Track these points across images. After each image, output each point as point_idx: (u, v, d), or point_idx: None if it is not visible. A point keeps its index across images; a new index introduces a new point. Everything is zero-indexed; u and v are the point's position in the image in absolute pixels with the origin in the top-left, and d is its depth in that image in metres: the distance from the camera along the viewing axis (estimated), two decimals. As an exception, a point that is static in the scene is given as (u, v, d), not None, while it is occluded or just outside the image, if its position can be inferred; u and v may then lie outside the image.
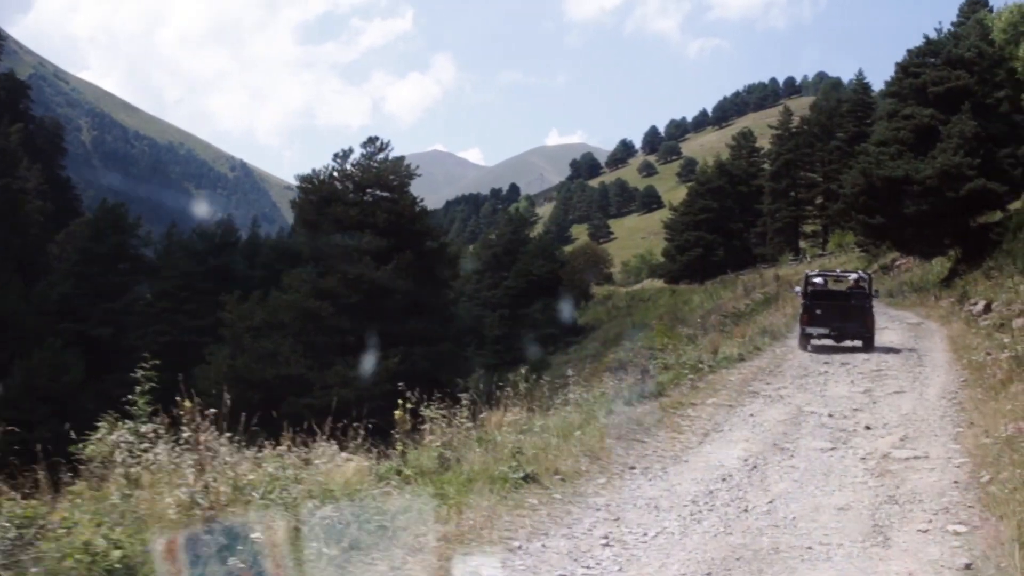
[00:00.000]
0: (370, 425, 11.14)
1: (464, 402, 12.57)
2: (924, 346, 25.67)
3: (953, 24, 65.22)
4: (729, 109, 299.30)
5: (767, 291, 46.28)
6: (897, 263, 59.29)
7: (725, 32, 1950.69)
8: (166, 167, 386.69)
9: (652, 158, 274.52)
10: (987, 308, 29.16)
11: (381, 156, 43.26)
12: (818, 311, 26.17)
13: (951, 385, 18.22)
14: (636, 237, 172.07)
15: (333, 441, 10.37)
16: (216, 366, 37.61)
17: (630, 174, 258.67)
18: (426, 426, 11.59)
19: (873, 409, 15.97)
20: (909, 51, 46.90)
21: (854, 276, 29.65)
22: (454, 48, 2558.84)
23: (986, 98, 43.91)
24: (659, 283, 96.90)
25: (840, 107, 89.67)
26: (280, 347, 36.50)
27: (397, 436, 11.21)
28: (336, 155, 43.03)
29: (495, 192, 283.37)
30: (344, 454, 9.89)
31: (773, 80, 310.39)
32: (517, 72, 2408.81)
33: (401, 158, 43.37)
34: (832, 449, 12.77)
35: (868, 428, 14.27)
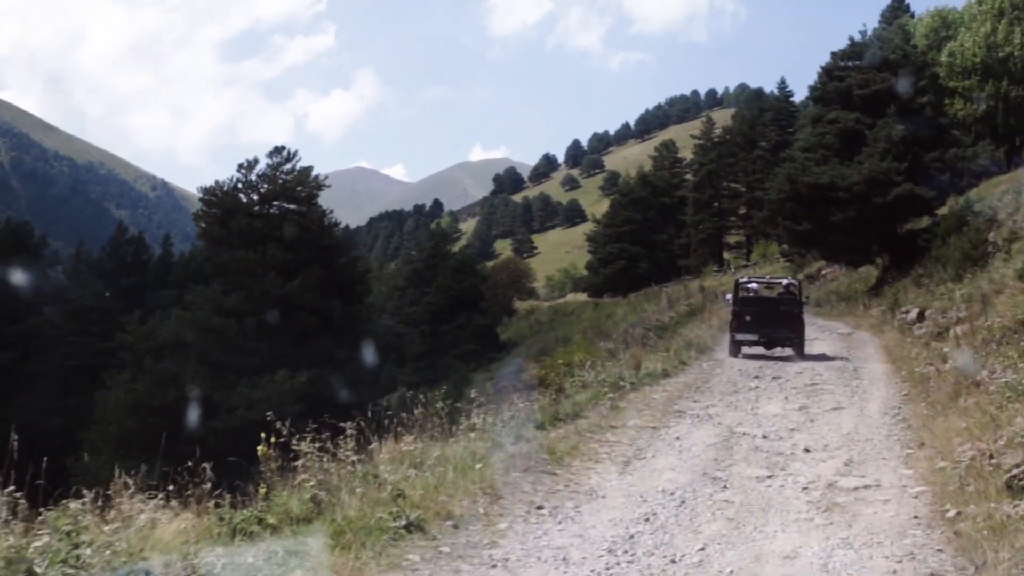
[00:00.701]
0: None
1: (350, 431, 10.79)
2: (858, 357, 24.34)
3: (875, 30, 64.66)
4: (651, 122, 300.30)
5: (692, 303, 44.93)
6: (823, 272, 58.56)
7: (647, 46, 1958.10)
8: (86, 187, 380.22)
9: (575, 172, 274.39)
10: (921, 316, 28.09)
11: (288, 167, 41.09)
12: (748, 317, 25.78)
13: (893, 400, 16.79)
14: (560, 251, 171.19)
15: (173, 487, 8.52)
16: (115, 391, 35.39)
17: (553, 188, 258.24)
18: (300, 462, 9.77)
19: (811, 428, 14.41)
20: (833, 54, 46.11)
21: (784, 282, 29.79)
22: (377, 64, 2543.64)
23: (912, 101, 43.12)
24: (583, 297, 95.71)
25: (763, 116, 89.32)
26: (183, 369, 34.30)
27: (263, 476, 9.44)
28: (241, 166, 40.75)
29: (418, 208, 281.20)
30: (151, 512, 7.94)
31: (695, 92, 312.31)
32: (440, 87, 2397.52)
33: (309, 168, 41.04)
34: (769, 477, 11.17)
35: (807, 451, 12.71)
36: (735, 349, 25.70)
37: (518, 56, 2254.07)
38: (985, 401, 13.04)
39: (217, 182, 40.44)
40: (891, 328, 29.25)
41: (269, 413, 10.03)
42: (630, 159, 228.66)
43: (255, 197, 40.61)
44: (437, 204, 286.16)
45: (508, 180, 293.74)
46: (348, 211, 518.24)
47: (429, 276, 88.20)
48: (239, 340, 34.90)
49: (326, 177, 41.67)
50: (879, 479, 10.72)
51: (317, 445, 9.99)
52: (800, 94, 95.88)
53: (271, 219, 39.69)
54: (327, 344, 36.49)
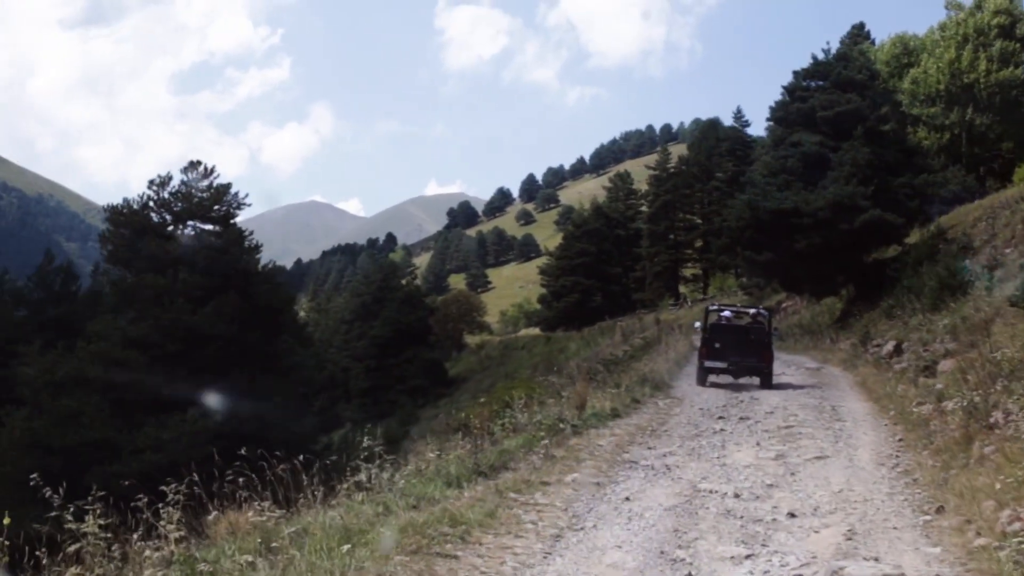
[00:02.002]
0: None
1: (174, 496, 7.84)
2: (834, 395, 21.51)
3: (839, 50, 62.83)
4: (607, 156, 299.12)
5: (647, 335, 42.17)
6: (783, 305, 56.17)
7: (603, 81, 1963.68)
8: (35, 219, 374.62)
9: (530, 206, 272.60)
10: (898, 349, 25.61)
11: (205, 183, 37.48)
12: (717, 345, 25.63)
13: (886, 446, 13.97)
14: (515, 286, 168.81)
15: None
16: (10, 429, 31.98)
17: (508, 223, 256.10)
18: (76, 547, 6.76)
19: (793, 484, 11.50)
20: (795, 73, 43.51)
21: (753, 311, 29.68)
22: (332, 98, 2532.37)
23: (879, 124, 40.86)
24: (536, 331, 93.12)
25: (719, 146, 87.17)
26: (85, 406, 30.83)
27: None
28: (152, 182, 36.99)
29: (372, 242, 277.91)
30: None
31: (650, 127, 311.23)
32: (395, 121, 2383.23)
33: (227, 185, 37.03)
34: (748, 558, 8.26)
35: (793, 516, 9.83)
36: (703, 376, 25.51)
37: (474, 90, 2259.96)
38: (1012, 449, 10.31)
39: (126, 200, 36.87)
40: (865, 363, 26.75)
41: (34, 475, 7.02)
42: (585, 194, 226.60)
43: (168, 217, 37.23)
44: (391, 238, 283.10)
45: (462, 214, 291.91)
46: (302, 245, 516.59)
47: (377, 309, 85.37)
48: (146, 374, 31.49)
49: (247, 196, 38.41)
50: (900, 563, 7.81)
51: (111, 520, 7.01)
52: (757, 125, 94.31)
53: (184, 240, 36.33)
54: (241, 378, 33.10)
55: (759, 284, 59.29)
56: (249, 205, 37.97)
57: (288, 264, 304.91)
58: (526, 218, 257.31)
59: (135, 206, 36.57)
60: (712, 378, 25.63)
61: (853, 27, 75.50)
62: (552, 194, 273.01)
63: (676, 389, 23.59)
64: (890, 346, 26.45)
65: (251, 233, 37.99)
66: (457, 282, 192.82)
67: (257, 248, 38.25)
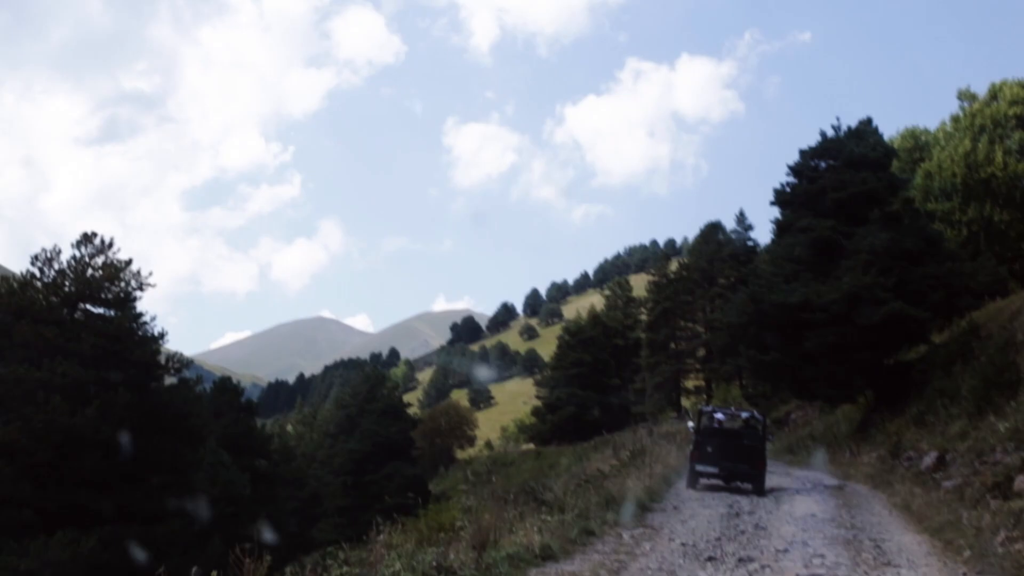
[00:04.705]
0: None
1: None
2: (870, 523, 15.67)
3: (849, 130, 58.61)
4: (610, 271, 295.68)
5: (635, 448, 36.70)
6: (792, 416, 51.03)
7: (608, 198, 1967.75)
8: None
9: (533, 321, 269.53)
10: (941, 462, 20.37)
11: (100, 260, 31.95)
12: (709, 448, 25.03)
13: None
14: (518, 402, 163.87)
15: None
16: None
17: (511, 337, 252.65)
18: None
19: None
20: (802, 152, 38.59)
21: (745, 415, 27.95)
22: (341, 214, 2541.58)
23: (900, 210, 36.10)
24: (532, 446, 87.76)
25: (721, 251, 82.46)
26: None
27: None
28: (35, 258, 31.72)
29: (375, 357, 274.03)
30: None
31: (654, 242, 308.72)
32: (404, 238, 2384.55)
33: (126, 261, 31.69)
34: None
35: None
36: (693, 480, 25.04)
37: (482, 207, 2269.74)
38: None
39: (4, 278, 31.59)
40: (901, 479, 21.54)
41: None
42: (587, 308, 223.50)
43: (55, 298, 31.56)
44: (394, 353, 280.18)
45: (466, 329, 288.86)
46: (309, 360, 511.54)
47: (361, 422, 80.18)
48: (9, 488, 25.74)
49: (151, 273, 32.70)
50: None
51: None
52: (760, 230, 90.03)
53: (66, 326, 30.50)
54: (131, 495, 27.33)
55: (765, 393, 54.24)
56: (153, 286, 32.65)
57: (291, 379, 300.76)
58: (529, 333, 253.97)
59: (15, 285, 31.17)
60: (703, 480, 25.03)
61: (860, 122, 71.24)
62: (556, 309, 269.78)
63: (653, 514, 17.66)
64: (931, 458, 21.52)
65: (154, 318, 32.42)
66: (460, 396, 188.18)
67: (160, 337, 32.73)
